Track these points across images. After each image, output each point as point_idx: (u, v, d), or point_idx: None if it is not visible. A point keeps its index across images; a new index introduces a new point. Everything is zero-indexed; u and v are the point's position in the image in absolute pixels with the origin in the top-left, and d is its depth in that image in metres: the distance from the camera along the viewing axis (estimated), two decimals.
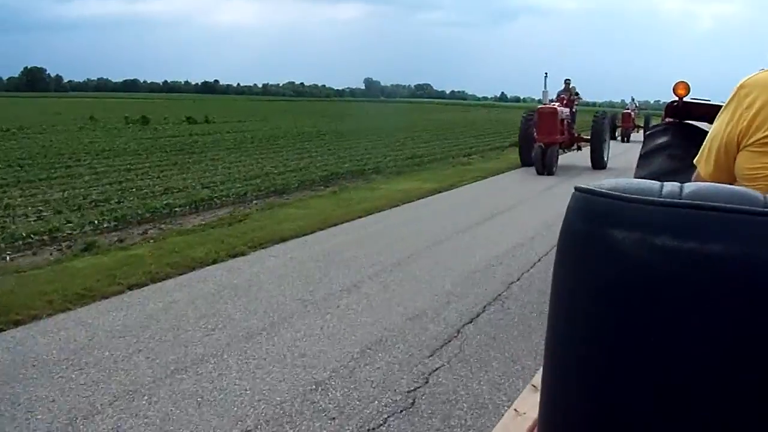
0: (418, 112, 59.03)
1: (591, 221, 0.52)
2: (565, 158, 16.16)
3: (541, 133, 14.38)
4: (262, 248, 6.93)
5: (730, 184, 1.21)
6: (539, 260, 6.37)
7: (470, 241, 7.18)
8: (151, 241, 7.42)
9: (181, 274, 5.85)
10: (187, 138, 21.87)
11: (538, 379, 0.90)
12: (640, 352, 0.50)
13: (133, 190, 10.91)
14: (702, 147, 1.58)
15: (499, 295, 5.28)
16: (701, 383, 0.48)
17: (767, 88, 1.43)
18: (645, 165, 4.81)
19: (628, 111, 28.05)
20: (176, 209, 9.32)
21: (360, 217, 8.68)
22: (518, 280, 5.71)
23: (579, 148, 16.67)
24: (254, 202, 10.40)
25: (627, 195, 0.50)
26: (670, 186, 0.51)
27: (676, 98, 4.78)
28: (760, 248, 0.46)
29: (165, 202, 9.47)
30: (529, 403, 1.17)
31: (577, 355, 0.54)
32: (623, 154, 18.45)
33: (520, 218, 8.64)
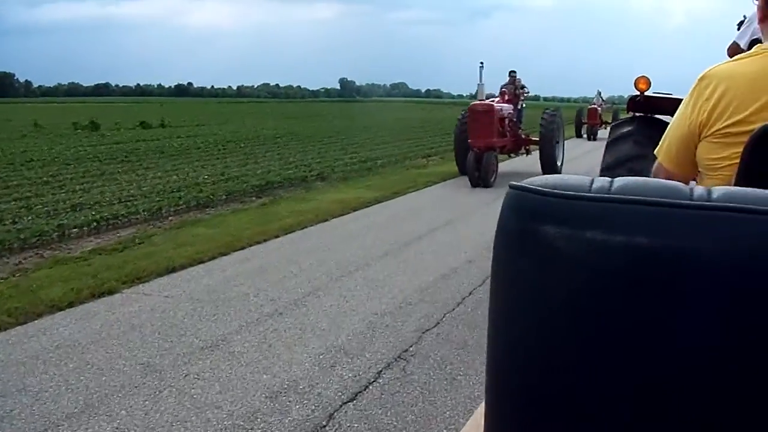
0: (390, 111, 57.69)
1: (523, 218, 0.52)
2: (511, 165, 14.34)
3: (475, 135, 11.72)
4: (140, 283, 5.69)
5: (690, 174, 1.58)
6: (469, 294, 5.20)
7: (390, 269, 5.98)
8: (17, 274, 6.17)
9: (11, 327, 4.60)
10: (132, 144, 20.48)
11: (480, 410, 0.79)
12: (575, 349, 0.50)
13: (38, 206, 9.59)
14: (662, 138, 1.61)
15: (405, 351, 4.08)
16: (635, 379, 0.48)
17: (727, 80, 1.45)
18: (612, 152, 4.78)
19: (594, 106, 25.33)
20: (74, 230, 8.07)
21: (276, 236, 7.46)
22: (436, 325, 4.51)
23: (528, 152, 14.11)
24: (169, 218, 9.17)
25: (557, 191, 0.51)
26: (601, 181, 0.51)
27: (638, 93, 4.73)
28: (686, 241, 0.47)
29: (59, 223, 8.19)
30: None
31: (516, 354, 0.53)
32: (587, 154, 17.25)
33: (461, 235, 7.46)
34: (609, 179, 0.51)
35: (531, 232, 0.50)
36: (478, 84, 13.50)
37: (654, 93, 4.76)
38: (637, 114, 4.92)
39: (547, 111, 14.10)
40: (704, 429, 0.48)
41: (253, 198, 10.76)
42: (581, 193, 0.50)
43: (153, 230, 8.25)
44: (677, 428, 0.48)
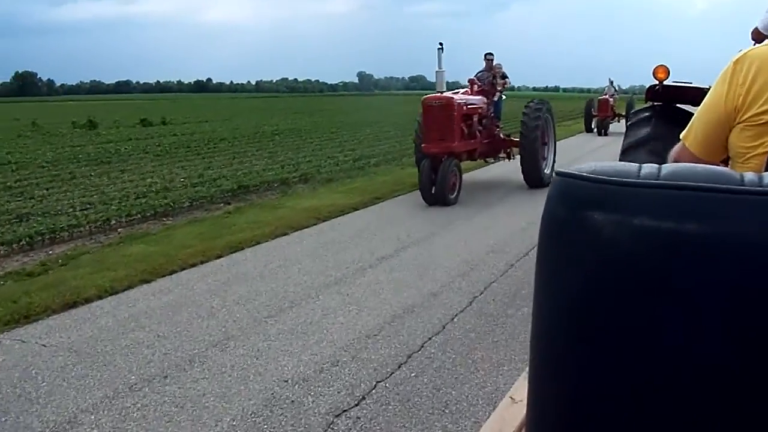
0: (405, 105, 56.30)
1: (571, 205, 0.51)
2: (489, 172, 11.99)
3: (429, 137, 9.17)
4: (26, 323, 4.68)
5: (717, 160, 1.53)
6: (420, 348, 4.04)
7: (331, 307, 4.83)
8: None
9: None
10: (122, 144, 19.54)
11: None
12: (625, 334, 0.49)
13: None
14: (690, 122, 1.56)
15: None
16: (686, 368, 0.48)
17: (763, 64, 1.41)
18: (631, 135, 4.70)
19: (605, 97, 22.20)
20: (1, 246, 7.08)
21: (219, 256, 6.37)
22: (357, 404, 3.35)
23: (509, 156, 11.32)
24: (117, 231, 8.13)
25: (606, 177, 0.50)
26: (648, 168, 0.51)
27: (657, 82, 4.62)
28: (736, 227, 0.46)
29: None
30: (525, 391, 0.90)
31: (563, 339, 0.53)
32: (593, 153, 15.80)
33: (436, 255, 6.28)
34: (657, 165, 0.51)
35: (579, 219, 0.50)
36: (437, 71, 10.15)
37: (673, 82, 4.64)
38: (656, 103, 4.81)
39: (531, 103, 11.02)
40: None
41: (222, 204, 9.70)
42: (630, 180, 0.49)
43: (89, 246, 7.23)
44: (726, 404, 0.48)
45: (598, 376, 0.51)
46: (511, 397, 1.22)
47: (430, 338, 4.13)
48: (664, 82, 4.60)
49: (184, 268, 6.01)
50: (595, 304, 0.50)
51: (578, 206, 0.50)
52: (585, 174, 0.51)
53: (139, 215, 8.78)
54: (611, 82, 23.53)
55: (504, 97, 11.63)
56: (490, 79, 11.18)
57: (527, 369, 1.11)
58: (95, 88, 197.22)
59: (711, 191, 0.47)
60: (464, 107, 9.73)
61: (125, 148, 17.86)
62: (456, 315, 4.52)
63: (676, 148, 1.61)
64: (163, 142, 19.84)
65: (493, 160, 11.57)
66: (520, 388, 1.18)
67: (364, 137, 20.79)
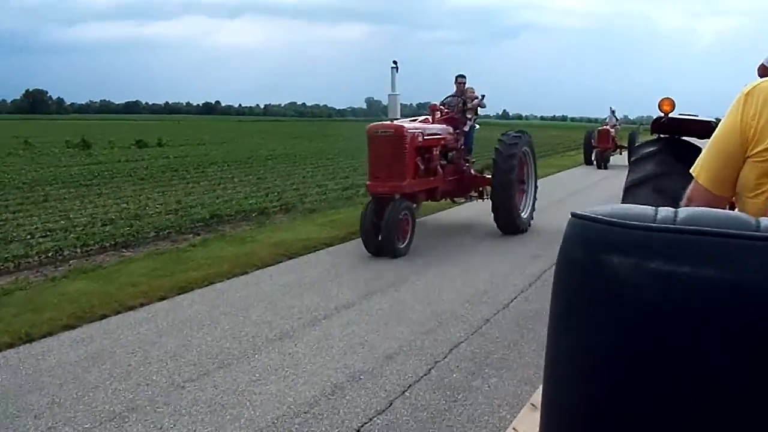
0: None
1: (587, 247, 0.52)
2: (456, 214, 10.31)
3: (375, 174, 7.78)
4: None
5: (729, 195, 1.51)
6: None
7: (262, 373, 4.10)
8: None
9: None
10: (111, 165, 19.02)
11: (537, 398, 0.82)
12: (643, 376, 0.49)
13: None
14: (701, 155, 1.53)
15: None
16: (696, 411, 0.48)
17: None
18: (636, 171, 4.56)
19: (606, 128, 20.77)
20: None
21: (163, 298, 5.71)
22: None
23: (481, 196, 9.57)
24: (69, 262, 7.48)
25: (622, 221, 0.51)
26: (665, 211, 0.51)
27: (662, 114, 4.59)
28: (752, 273, 0.46)
29: None
30: (528, 421, 1.14)
31: (578, 380, 0.53)
32: (589, 190, 14.76)
33: (398, 308, 5.57)
34: (673, 209, 0.52)
35: (596, 261, 0.50)
36: (390, 94, 8.48)
37: (679, 114, 4.62)
38: (662, 135, 4.76)
39: (506, 134, 9.20)
40: None
41: (190, 235, 9.04)
42: (646, 223, 0.50)
43: (32, 280, 6.58)
44: None
45: (615, 417, 0.50)
46: (514, 429, 1.16)
47: (370, 419, 3.41)
48: (670, 115, 4.56)
49: (119, 312, 5.34)
50: (611, 345, 0.50)
51: (595, 248, 0.51)
52: (602, 217, 0.52)
53: (97, 245, 8.13)
54: (613, 112, 22.27)
55: (477, 126, 10.03)
56: (461, 105, 9.57)
57: (531, 400, 1.20)
58: (105, 108, 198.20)
59: (727, 237, 0.47)
60: (419, 138, 8.09)
61: (110, 171, 17.31)
62: (409, 386, 3.81)
63: (690, 186, 1.55)
64: (153, 164, 19.29)
65: (464, 200, 9.85)
66: (524, 419, 1.17)
67: (359, 164, 20.17)
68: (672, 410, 0.48)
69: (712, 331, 0.46)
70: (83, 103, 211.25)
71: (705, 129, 4.02)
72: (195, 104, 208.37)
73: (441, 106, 9.56)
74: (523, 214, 9.10)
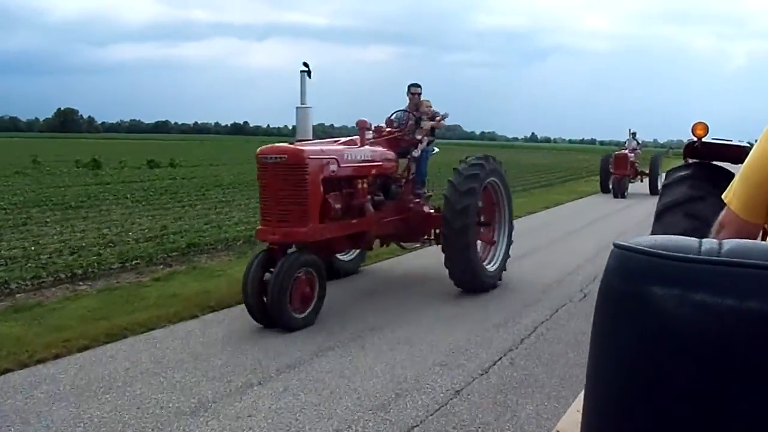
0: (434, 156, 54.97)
1: (630, 279, 0.51)
2: (412, 261, 8.23)
3: (267, 217, 5.83)
4: None
5: (763, 222, 1.42)
6: None
7: None
8: None
9: None
10: (114, 185, 18.48)
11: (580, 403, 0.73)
12: (686, 409, 0.48)
13: None
14: (733, 181, 1.47)
15: None
16: None
17: None
18: (668, 195, 4.45)
19: (624, 152, 18.84)
20: None
21: (85, 348, 4.89)
22: None
23: (439, 239, 6.98)
24: (16, 296, 6.70)
25: (666, 252, 0.50)
26: (709, 243, 0.50)
27: (695, 139, 4.52)
28: None
29: None
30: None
31: (618, 409, 0.52)
32: (591, 227, 13.55)
33: (346, 376, 4.65)
34: (717, 241, 0.51)
35: (638, 293, 0.50)
36: (298, 107, 6.60)
37: (712, 139, 4.55)
38: (692, 161, 4.69)
39: (465, 161, 6.90)
40: None
41: (161, 266, 8.21)
42: (690, 255, 0.49)
43: None
44: None
45: None
46: (578, 410, 0.99)
47: None
48: (703, 139, 4.49)
49: (25, 365, 4.51)
50: (654, 377, 0.49)
51: (638, 279, 0.50)
52: (645, 248, 0.51)
53: (51, 278, 7.33)
54: (633, 135, 20.17)
55: (435, 150, 7.76)
56: (412, 123, 7.40)
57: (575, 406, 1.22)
58: (135, 128, 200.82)
59: None
60: (331, 166, 5.97)
61: (109, 192, 16.68)
62: None
63: (722, 212, 1.49)
64: (155, 185, 18.66)
65: (419, 245, 7.76)
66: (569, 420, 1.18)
67: None
68: None
69: (759, 363, 0.46)
70: (114, 122, 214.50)
71: (739, 154, 3.92)
72: (224, 124, 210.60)
73: (382, 126, 7.47)
74: (489, 266, 6.99)
